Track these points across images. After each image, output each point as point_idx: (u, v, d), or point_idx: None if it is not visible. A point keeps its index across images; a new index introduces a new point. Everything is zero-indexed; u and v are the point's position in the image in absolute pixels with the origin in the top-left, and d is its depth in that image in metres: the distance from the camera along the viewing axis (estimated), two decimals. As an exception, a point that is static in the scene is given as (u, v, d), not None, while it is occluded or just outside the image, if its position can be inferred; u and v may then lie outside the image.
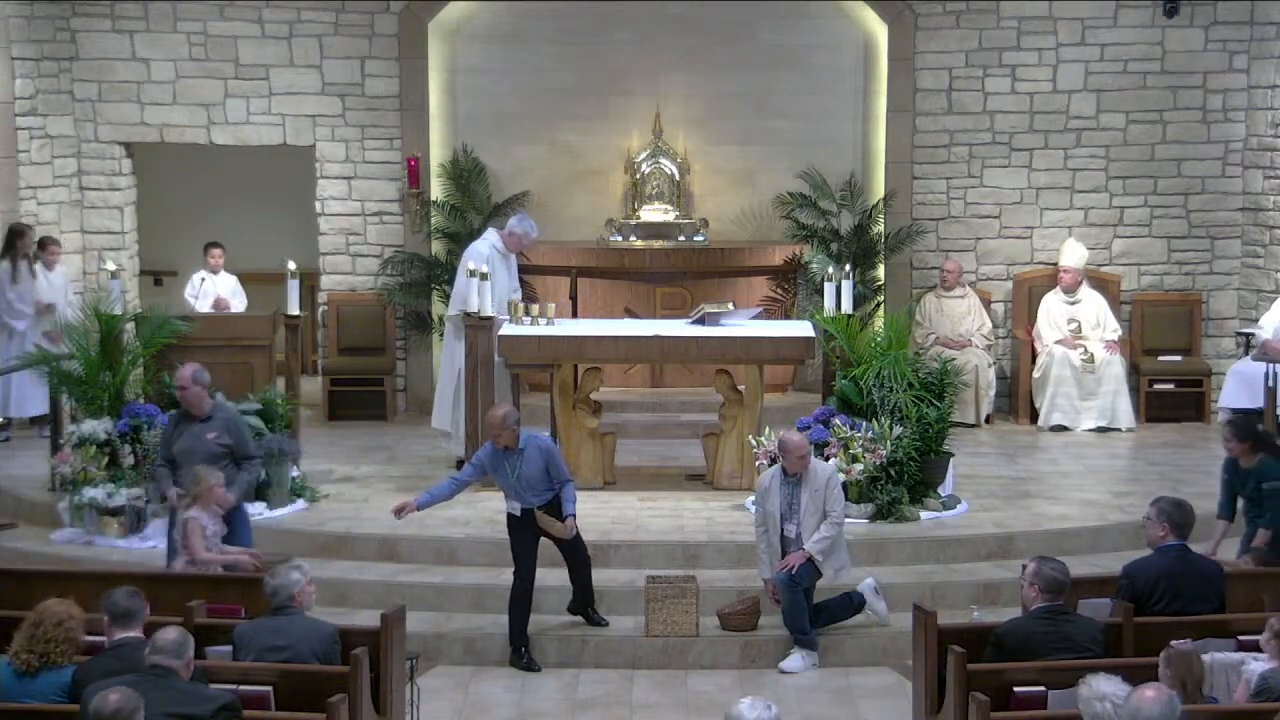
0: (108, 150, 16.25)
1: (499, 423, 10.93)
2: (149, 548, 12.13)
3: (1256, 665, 7.90)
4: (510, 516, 10.99)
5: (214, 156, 17.11)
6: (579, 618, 11.30)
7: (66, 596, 8.88)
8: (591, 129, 16.41)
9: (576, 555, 11.13)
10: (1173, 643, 7.79)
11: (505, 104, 16.37)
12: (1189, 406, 15.88)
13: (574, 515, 10.99)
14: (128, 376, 12.83)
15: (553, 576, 11.20)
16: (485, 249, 13.64)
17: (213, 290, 15.65)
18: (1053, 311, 15.57)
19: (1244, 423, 10.76)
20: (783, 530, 10.96)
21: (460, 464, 13.57)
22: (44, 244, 15.21)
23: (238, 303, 15.62)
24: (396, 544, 12.08)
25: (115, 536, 12.25)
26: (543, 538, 11.02)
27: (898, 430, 12.39)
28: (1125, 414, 15.31)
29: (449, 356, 13.83)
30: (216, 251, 15.86)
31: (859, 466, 12.25)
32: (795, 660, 10.94)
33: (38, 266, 14.93)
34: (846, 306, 13.59)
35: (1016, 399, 15.97)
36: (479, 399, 13.24)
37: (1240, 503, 10.84)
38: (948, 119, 16.16)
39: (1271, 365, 13.38)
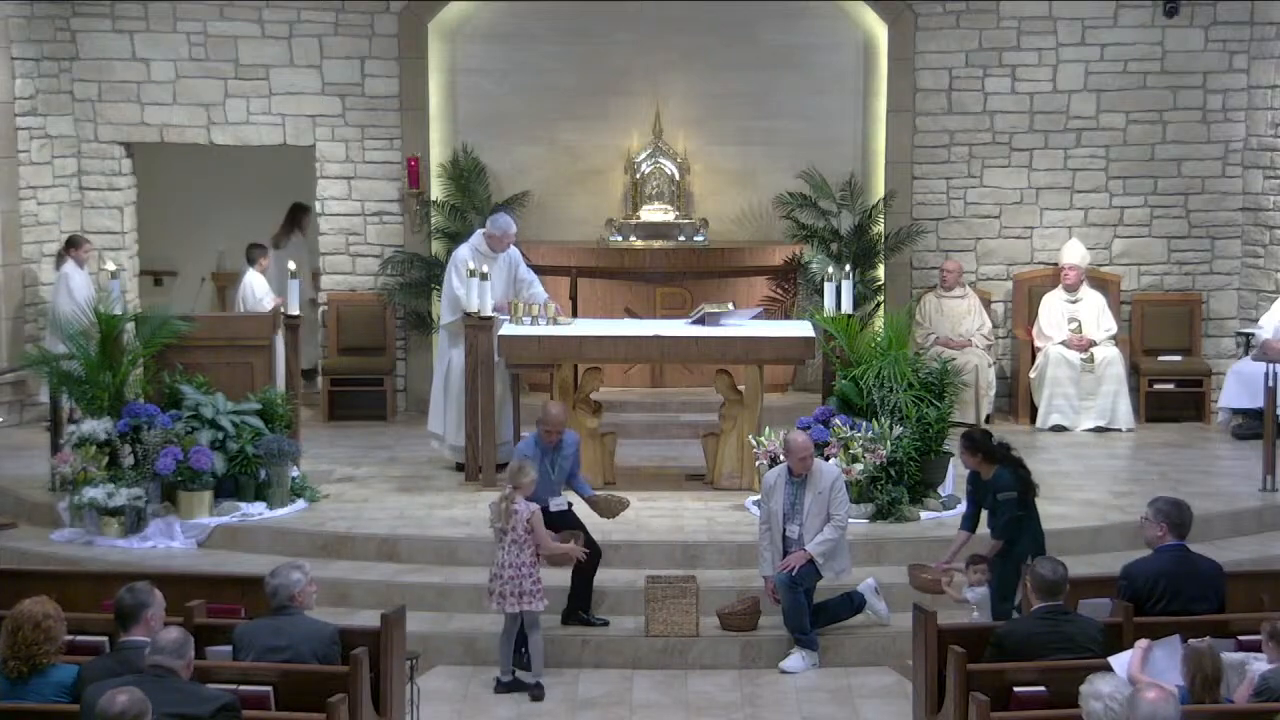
0: (108, 150, 16.25)
1: (561, 418, 11.19)
2: (149, 548, 12.13)
3: (1259, 665, 7.90)
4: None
5: (214, 156, 17.11)
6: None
7: (66, 596, 8.90)
8: (591, 129, 16.41)
9: (591, 549, 11.15)
10: (1190, 641, 7.79)
11: (505, 104, 16.37)
12: (1189, 406, 15.89)
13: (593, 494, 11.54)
14: (128, 376, 12.82)
15: (552, 576, 11.18)
16: (466, 252, 13.63)
17: (268, 292, 15.64)
18: (1053, 310, 15.57)
19: (976, 436, 10.74)
20: (784, 530, 10.96)
21: (459, 466, 13.58)
22: (76, 242, 15.28)
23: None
24: (396, 544, 12.08)
25: (115, 536, 12.24)
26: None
27: (898, 430, 12.39)
28: (1125, 414, 15.31)
29: (442, 361, 13.83)
30: (269, 254, 15.89)
31: (859, 466, 12.25)
32: (795, 660, 10.94)
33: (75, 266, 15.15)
34: (846, 306, 13.58)
35: (1016, 399, 15.98)
36: (479, 399, 13.25)
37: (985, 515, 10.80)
38: (948, 119, 16.16)
39: (1271, 365, 13.37)
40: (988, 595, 10.34)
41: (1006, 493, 10.35)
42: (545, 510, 10.97)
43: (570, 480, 11.26)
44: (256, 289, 15.75)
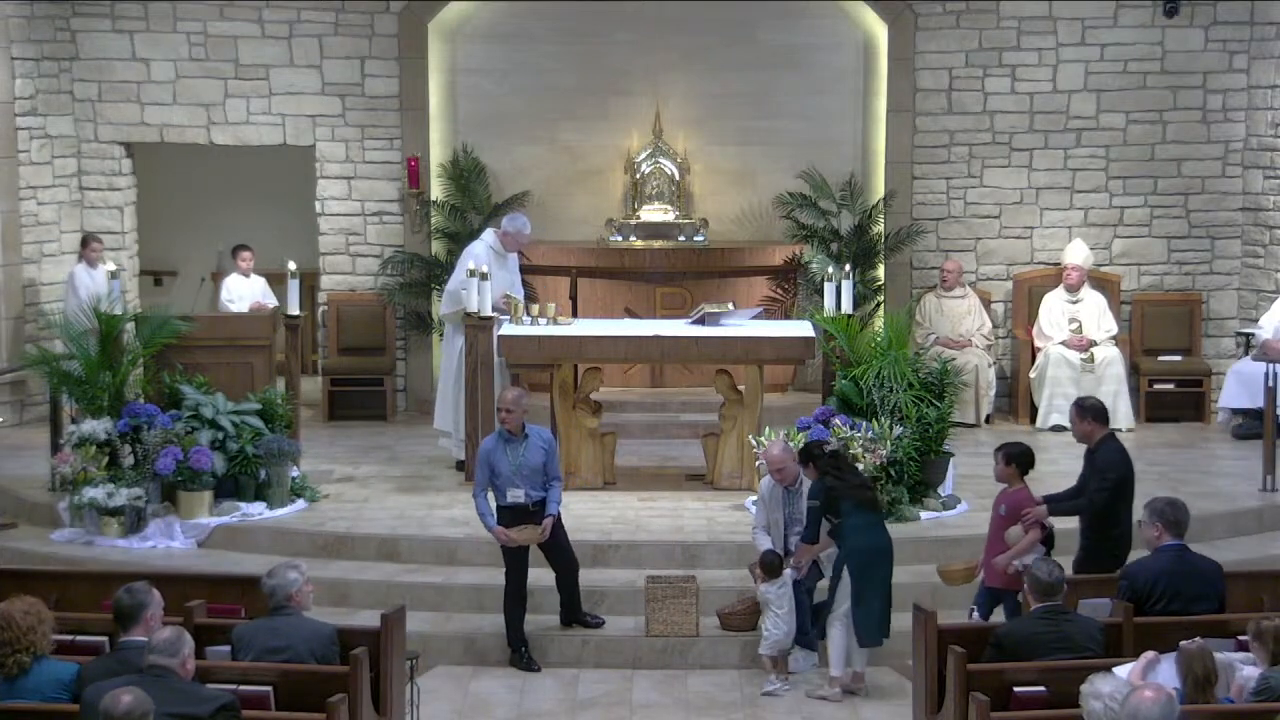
0: (108, 150, 16.26)
1: (512, 402, 10.95)
2: (149, 548, 12.13)
3: (1248, 669, 7.88)
4: (500, 511, 10.92)
5: (214, 156, 17.12)
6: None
7: (66, 596, 8.89)
8: (591, 129, 16.41)
9: (563, 561, 11.09)
10: (1182, 643, 7.79)
11: (505, 104, 16.37)
12: (1189, 406, 15.88)
13: (555, 515, 10.94)
14: (128, 376, 12.83)
15: (545, 577, 11.17)
16: (481, 250, 13.65)
17: (249, 293, 15.61)
18: (1054, 310, 15.57)
19: (811, 447, 10.97)
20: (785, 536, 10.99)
21: (460, 465, 13.59)
22: (85, 241, 15.29)
23: (270, 305, 15.57)
24: (396, 544, 12.08)
25: (115, 536, 12.24)
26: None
27: (898, 430, 12.39)
28: (1125, 414, 15.29)
29: (448, 356, 13.84)
30: (246, 254, 15.84)
31: (859, 466, 12.23)
32: (795, 660, 10.94)
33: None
34: (846, 306, 13.59)
35: (1016, 399, 15.97)
36: (479, 399, 13.25)
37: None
38: (948, 119, 16.16)
39: (1271, 365, 13.37)
40: (771, 592, 10.66)
41: (811, 501, 10.72)
42: (502, 504, 10.89)
43: (549, 487, 10.95)
44: (224, 290, 15.75)
